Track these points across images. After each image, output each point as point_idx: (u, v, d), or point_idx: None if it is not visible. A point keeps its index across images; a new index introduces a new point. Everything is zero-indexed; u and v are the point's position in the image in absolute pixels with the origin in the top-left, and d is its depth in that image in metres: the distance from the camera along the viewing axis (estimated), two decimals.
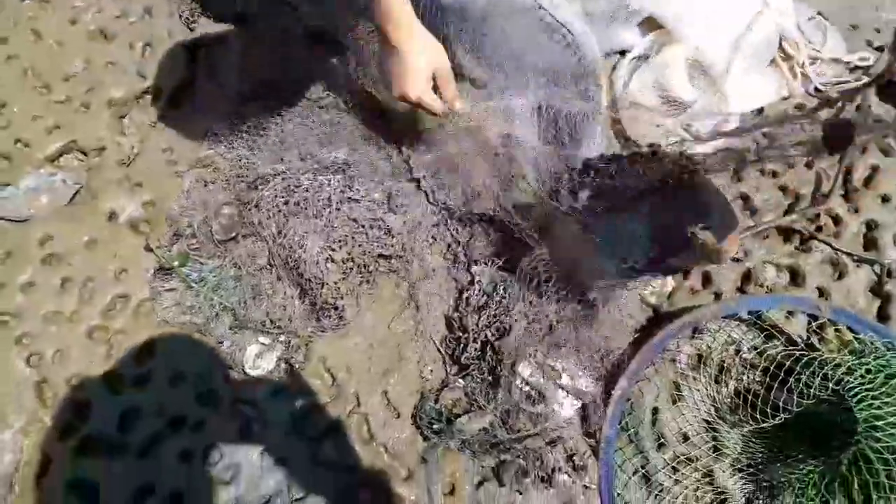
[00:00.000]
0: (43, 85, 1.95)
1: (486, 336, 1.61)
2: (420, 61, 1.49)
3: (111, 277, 1.71)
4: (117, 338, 1.65)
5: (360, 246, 1.67)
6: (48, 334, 1.64)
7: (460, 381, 1.64)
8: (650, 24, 2.00)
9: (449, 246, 1.81)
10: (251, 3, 2.05)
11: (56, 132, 1.88)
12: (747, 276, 1.82)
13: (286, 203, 1.67)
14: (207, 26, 2.08)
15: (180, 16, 2.07)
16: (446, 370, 1.70)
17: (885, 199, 1.87)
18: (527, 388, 1.58)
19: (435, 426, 1.58)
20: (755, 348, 1.67)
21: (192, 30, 2.08)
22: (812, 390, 1.45)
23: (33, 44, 2.00)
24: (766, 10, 1.97)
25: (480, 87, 1.84)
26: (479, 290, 1.70)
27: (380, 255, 1.70)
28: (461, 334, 1.66)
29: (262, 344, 1.63)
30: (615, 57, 2.06)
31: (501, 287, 1.66)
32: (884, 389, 1.42)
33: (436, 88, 1.57)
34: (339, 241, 1.68)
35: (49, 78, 1.96)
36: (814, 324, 1.66)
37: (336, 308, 1.64)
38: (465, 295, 1.73)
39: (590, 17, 1.95)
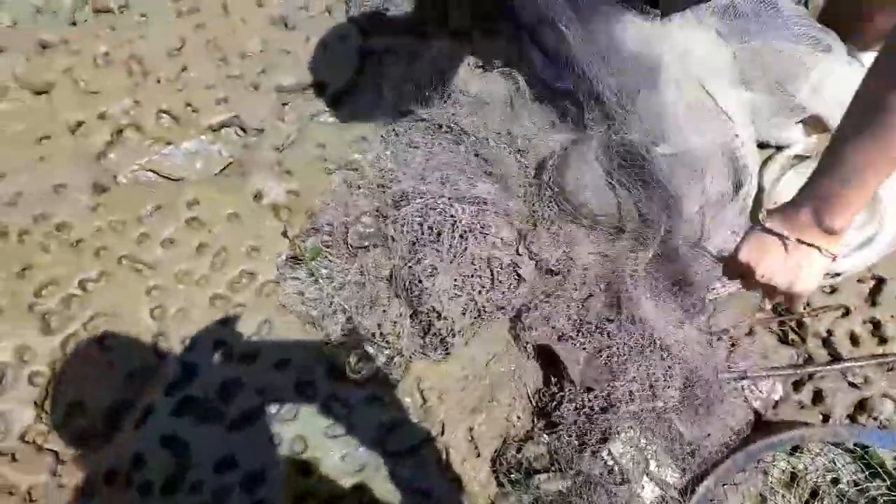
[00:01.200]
0: (221, 57, 2.07)
1: (583, 400, 1.60)
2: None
3: (244, 252, 1.79)
4: (237, 310, 1.73)
5: (487, 292, 1.68)
6: (176, 292, 1.73)
7: (546, 436, 1.64)
8: (816, 125, 1.94)
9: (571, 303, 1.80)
10: (432, 22, 2.11)
11: (223, 104, 2.00)
12: (862, 405, 1.74)
13: (420, 225, 1.71)
14: (381, 36, 2.16)
15: (358, 21, 2.16)
16: (534, 422, 1.70)
17: None
18: (612, 464, 1.56)
19: (513, 475, 1.59)
20: (855, 483, 1.60)
21: (366, 34, 2.16)
22: None
23: (221, 17, 2.13)
24: None
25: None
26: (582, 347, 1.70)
27: (500, 308, 1.71)
28: (557, 391, 1.66)
29: (368, 352, 1.67)
30: (771, 150, 2.02)
31: (607, 355, 1.65)
32: None
33: None
34: (465, 278, 1.69)
35: (228, 52, 2.08)
36: None
37: (443, 341, 1.67)
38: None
39: (754, 106, 1.93)
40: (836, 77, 1.83)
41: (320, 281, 1.71)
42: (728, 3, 1.97)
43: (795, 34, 1.90)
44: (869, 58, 1.87)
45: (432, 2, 2.17)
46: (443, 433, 1.65)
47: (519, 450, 1.61)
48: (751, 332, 1.84)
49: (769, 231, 1.13)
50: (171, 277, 1.75)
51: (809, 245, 1.10)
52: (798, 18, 1.88)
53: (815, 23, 1.88)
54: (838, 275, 1.83)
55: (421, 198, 1.77)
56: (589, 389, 1.61)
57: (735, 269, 1.21)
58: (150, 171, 1.92)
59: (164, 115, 1.98)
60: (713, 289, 1.80)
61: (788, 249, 1.12)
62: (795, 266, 1.12)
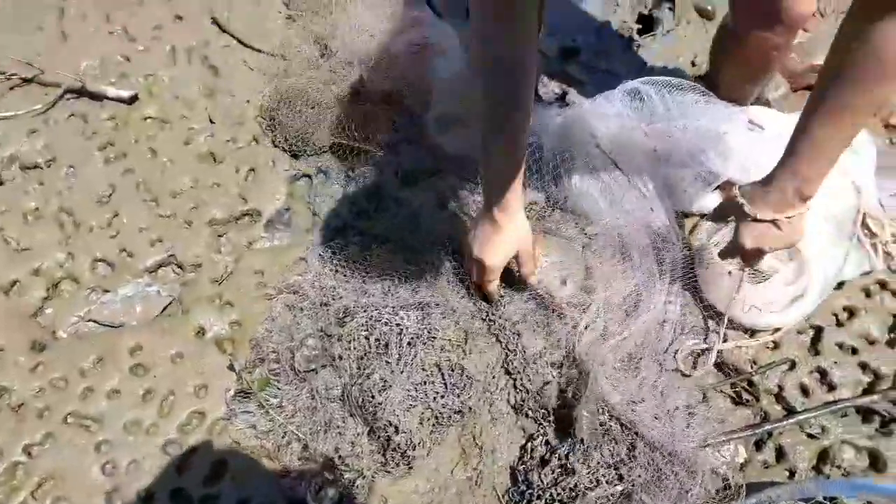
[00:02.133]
0: (152, 199, 2.09)
1: (551, 495, 1.58)
2: (511, 237, 1.67)
3: (191, 393, 1.76)
4: (189, 454, 1.68)
5: (442, 397, 1.68)
6: (126, 444, 1.69)
7: None
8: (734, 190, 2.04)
9: (518, 389, 1.81)
10: (354, 140, 2.18)
11: (158, 245, 2.00)
12: (824, 456, 1.76)
13: (367, 338, 1.71)
14: (311, 157, 2.22)
15: (285, 146, 2.21)
16: None
17: None
18: None
19: None
20: None
21: (296, 158, 2.22)
22: None
23: (149, 160, 2.17)
24: (848, 184, 1.99)
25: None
26: (544, 441, 1.69)
27: (457, 411, 1.71)
28: (525, 488, 1.64)
29: (327, 478, 1.63)
30: (696, 218, 2.10)
31: (568, 442, 1.64)
32: None
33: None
34: (417, 386, 1.68)
35: (158, 193, 2.10)
36: None
37: (405, 455, 1.64)
38: (530, 444, 1.72)
39: (671, 180, 2.02)
40: (739, 144, 1.94)
41: (271, 412, 1.68)
42: (634, 87, 2.10)
43: (699, 111, 2.02)
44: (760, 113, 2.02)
45: (358, 119, 2.24)
46: None
47: None
48: (704, 398, 1.86)
49: (762, 220, 1.50)
50: (119, 430, 1.70)
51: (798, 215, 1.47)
52: (699, 96, 2.00)
53: (713, 97, 2.00)
54: (778, 330, 1.88)
55: (364, 311, 1.78)
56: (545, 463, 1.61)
57: (745, 257, 1.64)
58: (90, 321, 1.90)
59: (100, 263, 1.98)
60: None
61: (782, 227, 1.50)
62: (791, 233, 1.52)
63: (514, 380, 1.80)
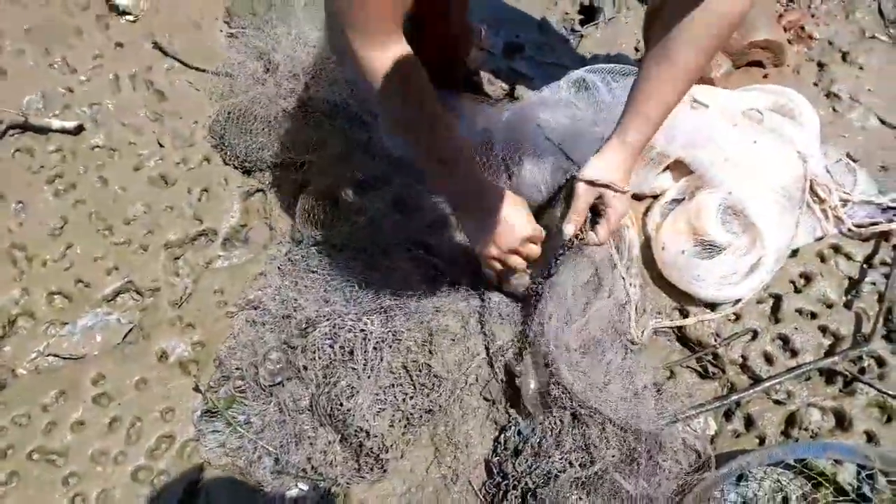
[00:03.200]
0: (105, 227, 2.08)
1: (526, 483, 1.60)
2: (521, 215, 1.63)
3: (158, 417, 1.75)
4: (161, 479, 1.67)
5: (411, 398, 1.69)
6: (94, 475, 1.67)
7: None
8: (682, 169, 2.08)
9: (486, 384, 1.82)
10: (304, 152, 2.19)
11: (114, 273, 1.99)
12: (791, 420, 1.79)
13: (331, 346, 1.71)
14: (264, 173, 2.22)
15: (235, 163, 2.21)
16: None
17: None
18: None
19: None
20: (804, 497, 1.62)
21: (248, 174, 2.21)
22: None
23: (99, 189, 2.15)
24: (793, 154, 2.04)
25: None
26: (517, 431, 1.71)
27: (427, 411, 1.72)
28: (501, 479, 1.65)
29: (301, 490, 1.63)
30: (649, 200, 2.14)
31: (541, 430, 1.66)
32: None
33: None
34: (386, 389, 1.69)
35: (112, 221, 2.09)
36: (864, 472, 1.61)
37: (378, 459, 1.65)
38: (503, 436, 1.73)
39: None
40: (684, 123, 1.98)
41: (239, 429, 1.67)
42: (579, 77, 2.13)
43: None
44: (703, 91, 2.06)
45: (308, 131, 2.24)
46: None
47: None
48: (672, 375, 1.89)
49: (621, 189, 1.60)
50: (86, 461, 1.69)
51: None
52: None
53: None
54: (738, 301, 1.92)
55: (327, 320, 1.78)
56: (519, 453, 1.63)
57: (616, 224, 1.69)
58: (50, 355, 1.89)
59: (56, 295, 1.96)
60: None
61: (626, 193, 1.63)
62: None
63: (494, 368, 1.81)
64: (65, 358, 1.87)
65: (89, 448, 1.70)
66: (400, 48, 1.36)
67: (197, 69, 2.46)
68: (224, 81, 2.41)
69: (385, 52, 1.33)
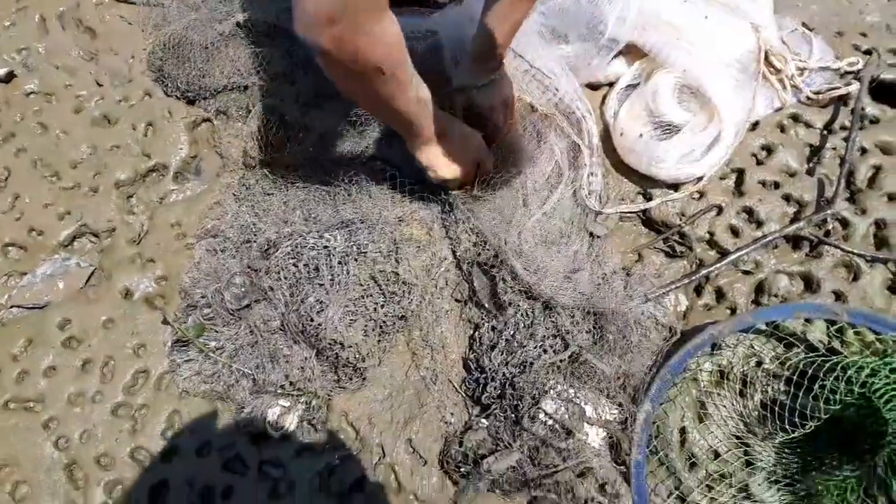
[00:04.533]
0: (52, 173, 2.03)
1: (504, 374, 1.63)
2: (459, 144, 1.74)
3: (130, 354, 1.76)
4: (141, 413, 1.69)
5: (382, 307, 1.71)
6: (73, 416, 1.68)
7: (483, 421, 1.66)
8: (636, 53, 2.06)
9: (456, 286, 1.85)
10: (246, 76, 2.14)
11: (67, 218, 1.96)
12: (761, 288, 1.84)
13: (295, 265, 1.72)
14: (207, 101, 2.17)
15: (178, 94, 2.16)
16: (469, 412, 1.72)
17: (892, 197, 1.90)
18: (552, 423, 1.59)
19: (462, 469, 1.60)
20: (777, 358, 1.68)
21: (192, 104, 2.17)
22: (838, 395, 1.45)
23: (40, 135, 2.09)
24: (746, 26, 2.03)
25: None
26: (490, 328, 1.74)
27: (400, 317, 1.74)
28: (479, 374, 1.69)
29: (283, 406, 1.66)
30: (605, 89, 2.13)
31: (513, 323, 1.69)
32: None
33: None
34: (356, 301, 1.70)
35: (57, 166, 2.04)
36: (832, 328, 1.67)
37: (357, 369, 1.68)
38: (477, 333, 1.76)
39: (571, 56, 2.03)
40: (632, 5, 1.95)
41: (212, 355, 1.68)
42: None
43: None
44: None
45: (247, 53, 2.19)
46: (384, 455, 1.66)
47: (461, 443, 1.63)
48: (640, 258, 1.92)
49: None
50: (63, 404, 1.70)
51: None
52: None
53: None
54: (700, 178, 1.94)
55: (289, 240, 1.77)
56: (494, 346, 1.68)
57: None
58: (13, 307, 1.87)
59: (10, 247, 1.93)
60: None
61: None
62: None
63: (462, 270, 1.83)
64: (28, 308, 1.85)
65: (65, 392, 1.71)
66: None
67: (126, 2, 2.38)
68: (156, 12, 2.33)
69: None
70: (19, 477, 1.62)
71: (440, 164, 1.71)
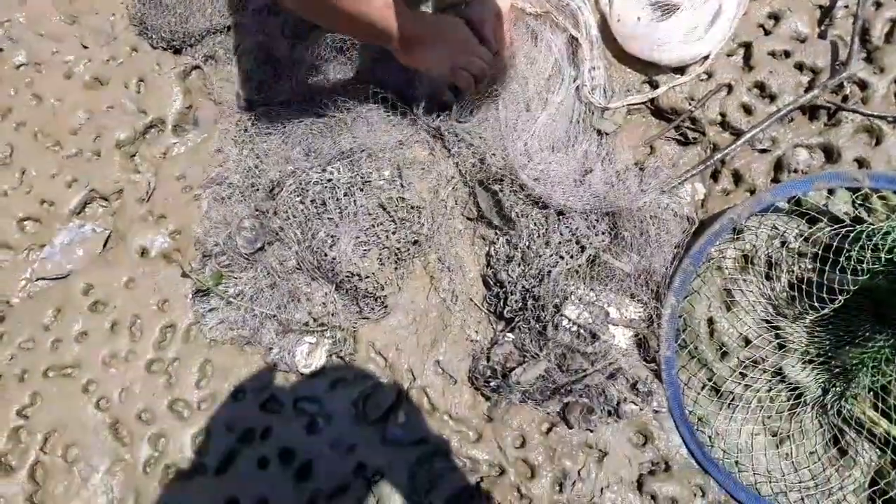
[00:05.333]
0: (54, 143, 2.01)
1: (523, 286, 1.60)
2: (463, 25, 1.72)
3: (156, 311, 1.76)
4: (174, 366, 1.71)
5: (394, 234, 1.68)
6: (109, 377, 1.71)
7: (509, 335, 1.64)
8: None
9: (466, 205, 1.80)
10: (229, 14, 2.06)
11: (75, 185, 1.94)
12: (779, 166, 1.76)
13: (302, 202, 1.68)
14: (194, 48, 2.10)
15: (164, 45, 2.10)
16: (493, 328, 1.70)
17: None
18: (576, 329, 1.56)
19: (492, 383, 1.59)
20: (801, 235, 1.61)
21: (179, 53, 2.10)
22: (865, 265, 1.39)
23: (36, 107, 2.06)
24: None
25: None
26: (505, 241, 1.69)
27: (414, 242, 1.71)
28: (499, 289, 1.66)
29: (310, 343, 1.66)
30: None
31: (527, 233, 1.64)
32: None
33: None
34: (366, 230, 1.67)
35: (58, 135, 2.01)
36: (856, 196, 1.59)
37: (377, 298, 1.66)
38: (493, 249, 1.72)
39: None
40: None
41: (233, 301, 1.68)
42: None
43: None
44: None
45: None
46: (414, 379, 1.65)
47: (488, 359, 1.62)
48: (652, 150, 1.84)
49: None
50: (98, 367, 1.72)
51: None
52: None
53: None
54: (707, 57, 1.83)
55: (292, 177, 1.73)
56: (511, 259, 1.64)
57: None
58: (38, 280, 1.87)
59: (25, 222, 1.93)
60: None
61: None
62: None
63: (469, 188, 1.78)
64: (52, 279, 1.86)
65: (98, 354, 1.73)
66: None
67: None
68: None
69: None
70: (68, 440, 1.66)
71: (422, 60, 1.68)
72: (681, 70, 1.86)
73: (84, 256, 1.88)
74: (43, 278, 1.87)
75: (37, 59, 2.14)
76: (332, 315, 1.67)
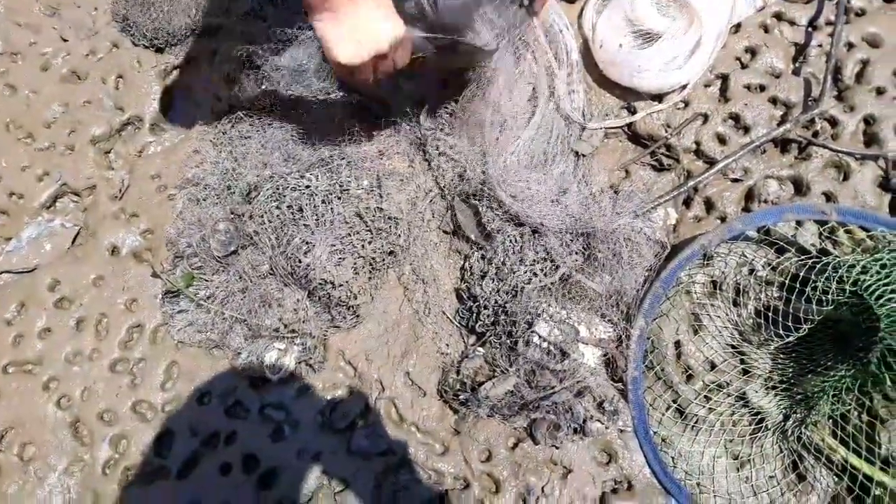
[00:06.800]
0: (26, 135, 1.95)
1: (496, 301, 1.59)
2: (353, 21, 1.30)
3: (123, 309, 1.71)
4: (139, 367, 1.66)
5: (370, 243, 1.65)
6: (72, 375, 1.65)
7: (479, 349, 1.62)
8: None
9: (443, 218, 1.78)
10: (214, 16, 2.03)
11: (46, 179, 1.89)
12: (750, 195, 1.77)
13: (278, 207, 1.65)
14: (176, 47, 2.07)
15: (146, 42, 2.05)
16: (464, 341, 1.68)
17: (880, 91, 1.81)
18: (546, 346, 1.55)
19: (461, 397, 1.57)
20: (769, 264, 1.62)
21: (161, 52, 2.06)
22: (830, 296, 1.40)
23: (10, 97, 2.00)
24: None
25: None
26: (480, 256, 1.68)
27: (389, 253, 1.69)
28: (472, 303, 1.64)
29: (279, 349, 1.62)
30: (582, 1, 2.01)
31: (503, 249, 1.63)
32: None
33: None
34: (342, 238, 1.64)
35: (31, 127, 1.96)
36: (823, 229, 1.61)
37: (350, 307, 1.63)
38: (468, 263, 1.70)
39: None
40: None
41: (203, 303, 1.64)
42: None
43: None
44: None
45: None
46: (383, 389, 1.63)
47: (458, 372, 1.60)
48: (627, 174, 1.85)
49: None
50: (62, 364, 1.66)
51: None
52: None
53: None
54: (685, 86, 1.85)
55: (270, 181, 1.70)
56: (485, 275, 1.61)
57: None
58: (3, 273, 1.81)
59: None
60: None
61: None
62: None
63: (447, 202, 1.77)
64: (17, 272, 1.80)
65: (62, 351, 1.67)
66: None
67: None
68: None
69: None
70: (25, 438, 1.60)
71: (330, 38, 1.29)
72: (659, 97, 1.87)
73: (52, 251, 1.83)
74: (7, 271, 1.81)
75: (13, 49, 2.08)
76: (303, 322, 1.64)
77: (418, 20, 1.46)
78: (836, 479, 1.52)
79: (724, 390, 1.57)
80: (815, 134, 1.80)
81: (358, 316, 1.68)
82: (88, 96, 2.00)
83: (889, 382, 1.38)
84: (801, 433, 1.50)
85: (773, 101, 1.85)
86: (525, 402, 1.53)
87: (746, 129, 1.83)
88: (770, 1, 1.94)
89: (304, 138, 1.78)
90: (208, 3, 2.04)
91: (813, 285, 1.44)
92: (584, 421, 1.52)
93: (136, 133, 1.98)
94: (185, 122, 1.97)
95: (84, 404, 1.63)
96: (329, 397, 1.62)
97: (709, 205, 1.78)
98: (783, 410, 1.55)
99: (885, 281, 1.38)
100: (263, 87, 1.92)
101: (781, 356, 1.58)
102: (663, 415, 1.59)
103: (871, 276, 1.39)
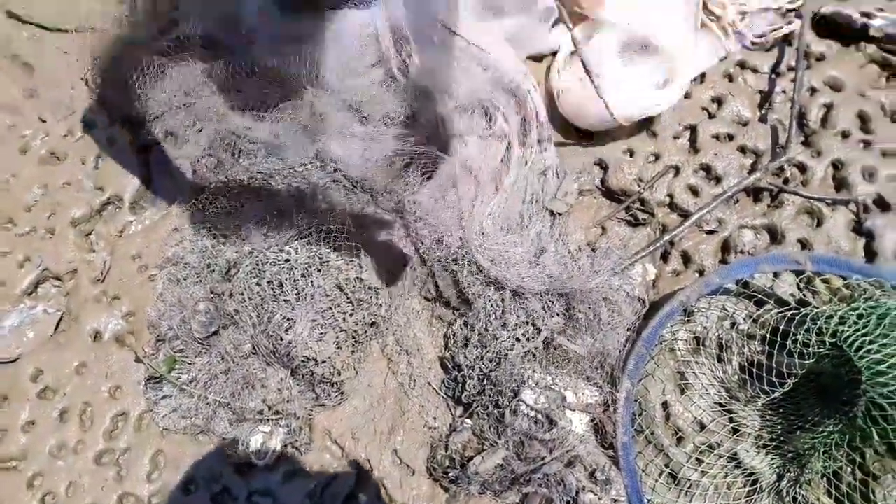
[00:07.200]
0: (6, 220, 1.89)
1: (480, 369, 1.54)
2: None
3: (107, 398, 1.65)
4: (124, 457, 1.59)
5: (351, 315, 1.60)
6: (57, 470, 1.58)
7: (467, 421, 1.57)
8: (574, 19, 1.91)
9: (424, 284, 1.74)
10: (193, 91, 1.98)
11: (27, 264, 1.83)
12: (726, 246, 1.74)
13: (258, 284, 1.60)
14: (153, 122, 2.02)
15: (122, 119, 2.01)
16: (451, 413, 1.63)
17: (845, 134, 1.79)
18: (534, 414, 1.50)
19: (451, 474, 1.51)
20: (750, 317, 1.58)
21: (139, 128, 2.01)
22: (810, 348, 1.36)
23: None
24: None
25: None
26: (462, 323, 1.63)
27: (371, 324, 1.63)
28: (457, 373, 1.59)
29: (264, 433, 1.56)
30: (548, 59, 1.99)
31: (484, 313, 1.58)
32: (879, 332, 1.32)
33: None
34: (323, 312, 1.59)
35: (11, 212, 1.90)
36: (801, 278, 1.57)
37: (334, 384, 1.58)
38: (451, 330, 1.66)
39: (515, 30, 1.89)
40: None
41: (186, 388, 1.58)
42: None
43: None
44: None
45: (193, 67, 2.03)
46: (371, 469, 1.56)
47: (446, 447, 1.54)
48: (603, 231, 1.81)
49: None
50: (46, 459, 1.60)
51: None
52: None
53: None
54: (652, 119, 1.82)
55: (249, 257, 1.65)
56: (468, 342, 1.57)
57: None
58: None
59: None
60: None
61: None
62: None
63: (427, 268, 1.72)
64: (0, 363, 1.73)
65: (46, 445, 1.61)
66: None
67: (61, 31, 2.20)
68: (92, 36, 2.15)
69: None
70: None
71: None
72: (630, 133, 1.84)
73: (35, 339, 1.76)
74: None
75: None
76: (288, 402, 1.58)
77: None
78: None
79: (716, 451, 1.52)
80: (786, 181, 1.77)
81: (342, 392, 1.62)
82: (68, 177, 1.95)
83: (876, 437, 1.33)
84: (796, 493, 1.45)
85: (742, 149, 1.83)
86: (516, 475, 1.47)
87: (718, 180, 1.80)
88: (732, 50, 1.91)
89: (283, 213, 1.73)
90: (184, 79, 2.00)
91: (794, 338, 1.40)
92: (577, 493, 1.46)
93: (116, 213, 1.92)
94: (164, 198, 1.92)
95: (69, 501, 1.55)
96: (317, 480, 1.55)
97: (686, 258, 1.74)
98: (776, 470, 1.49)
99: (863, 331, 1.34)
100: (241, 161, 1.88)
101: (770, 413, 1.53)
102: (656, 480, 1.53)
103: (850, 326, 1.35)
